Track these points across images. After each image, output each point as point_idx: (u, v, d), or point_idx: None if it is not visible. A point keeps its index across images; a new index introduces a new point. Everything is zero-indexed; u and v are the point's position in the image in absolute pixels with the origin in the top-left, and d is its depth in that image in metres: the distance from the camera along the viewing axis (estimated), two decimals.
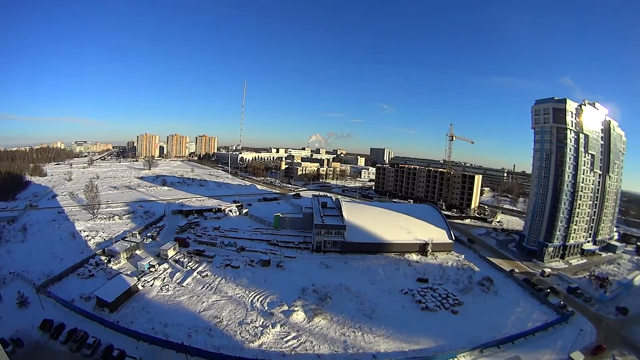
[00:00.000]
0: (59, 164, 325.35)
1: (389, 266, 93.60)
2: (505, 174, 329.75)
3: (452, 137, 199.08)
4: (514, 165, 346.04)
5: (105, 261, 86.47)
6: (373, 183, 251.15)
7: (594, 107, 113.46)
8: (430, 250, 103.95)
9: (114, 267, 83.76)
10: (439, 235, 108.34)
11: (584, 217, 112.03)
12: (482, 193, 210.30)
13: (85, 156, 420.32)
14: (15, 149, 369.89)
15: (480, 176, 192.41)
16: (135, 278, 75.07)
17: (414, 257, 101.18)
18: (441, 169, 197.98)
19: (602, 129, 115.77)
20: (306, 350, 55.38)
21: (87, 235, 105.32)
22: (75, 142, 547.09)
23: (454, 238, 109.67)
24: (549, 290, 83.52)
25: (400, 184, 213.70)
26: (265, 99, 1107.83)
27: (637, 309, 75.80)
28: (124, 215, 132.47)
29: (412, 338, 60.13)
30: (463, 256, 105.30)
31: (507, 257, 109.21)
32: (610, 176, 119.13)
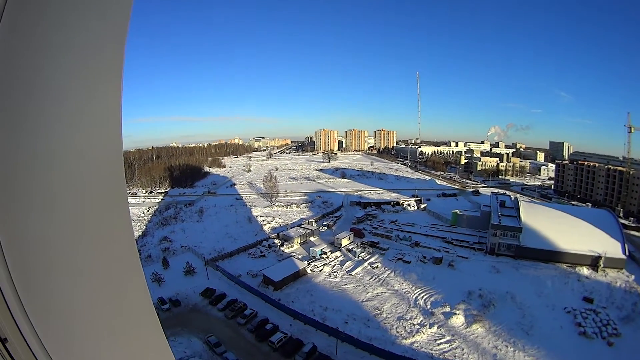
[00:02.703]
0: (237, 157, 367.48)
1: (559, 278, 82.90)
2: None
3: (631, 128, 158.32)
4: None
5: (279, 244, 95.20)
6: (552, 182, 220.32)
7: None
8: (602, 265, 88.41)
9: (286, 251, 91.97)
10: (613, 248, 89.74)
11: None
12: None
13: (264, 150, 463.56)
14: (193, 145, 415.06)
15: None
16: (306, 262, 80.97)
17: (585, 271, 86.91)
18: (620, 167, 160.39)
19: None
20: (455, 356, 56.11)
21: (263, 220, 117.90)
22: (253, 137, 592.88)
23: (627, 253, 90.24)
24: None
25: (579, 183, 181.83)
26: (442, 90, 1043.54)
27: None
28: (301, 204, 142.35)
29: None
30: (633, 277, 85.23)
31: None
32: None
